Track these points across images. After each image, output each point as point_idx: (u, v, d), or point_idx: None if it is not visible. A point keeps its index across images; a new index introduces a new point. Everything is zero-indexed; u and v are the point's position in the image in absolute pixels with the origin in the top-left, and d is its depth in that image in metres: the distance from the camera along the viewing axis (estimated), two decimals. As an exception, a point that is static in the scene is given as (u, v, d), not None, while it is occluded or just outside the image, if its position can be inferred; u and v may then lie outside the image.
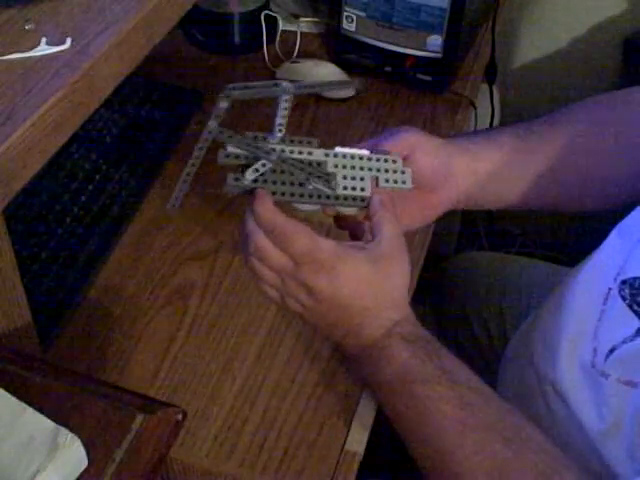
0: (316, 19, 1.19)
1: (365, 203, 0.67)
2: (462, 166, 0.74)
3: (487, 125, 1.30)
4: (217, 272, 0.84)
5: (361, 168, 0.67)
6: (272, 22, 1.13)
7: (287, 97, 0.64)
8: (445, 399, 0.60)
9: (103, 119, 0.97)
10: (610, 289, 0.66)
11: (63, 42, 0.60)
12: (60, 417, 0.52)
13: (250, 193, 0.64)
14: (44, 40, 0.60)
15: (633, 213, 0.70)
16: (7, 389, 0.52)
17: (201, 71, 1.11)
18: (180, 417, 0.55)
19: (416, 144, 0.70)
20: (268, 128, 0.65)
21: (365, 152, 0.68)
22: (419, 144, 0.70)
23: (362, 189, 0.67)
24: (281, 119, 0.64)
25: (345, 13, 1.05)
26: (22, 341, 0.67)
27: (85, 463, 0.51)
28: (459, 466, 0.58)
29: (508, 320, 0.98)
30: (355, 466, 0.69)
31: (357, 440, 0.70)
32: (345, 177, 0.67)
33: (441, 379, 0.61)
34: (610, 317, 0.65)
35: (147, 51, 0.67)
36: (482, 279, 1.05)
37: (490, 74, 1.23)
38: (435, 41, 1.02)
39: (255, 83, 0.63)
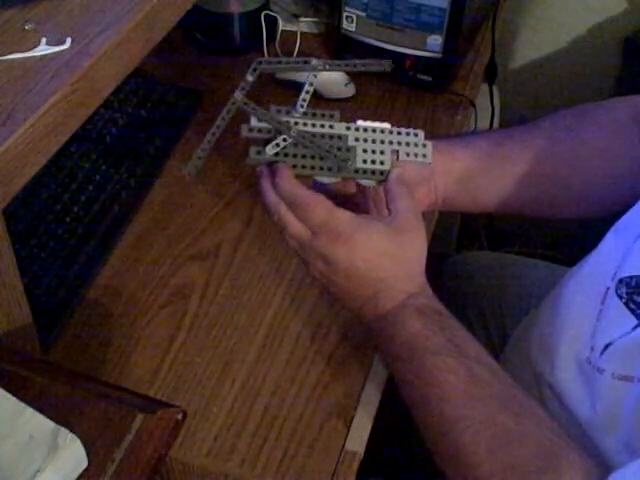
0: (316, 19, 1.19)
1: (384, 176, 0.68)
2: (439, 167, 0.76)
3: (487, 125, 1.30)
4: (217, 272, 0.84)
5: (382, 142, 0.69)
6: (272, 22, 1.13)
7: (313, 74, 0.67)
8: (453, 370, 0.61)
9: (103, 119, 0.97)
10: (608, 288, 0.66)
11: (63, 42, 0.60)
12: (60, 417, 0.52)
13: (270, 166, 0.67)
14: (44, 40, 0.60)
15: (630, 212, 0.70)
16: (7, 389, 0.52)
17: (201, 71, 1.11)
18: (180, 417, 0.55)
19: None
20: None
21: (387, 125, 0.70)
22: None
23: (382, 162, 0.68)
24: (305, 94, 0.67)
25: (345, 13, 1.05)
26: (22, 341, 0.67)
27: (85, 463, 0.51)
28: (462, 435, 0.59)
29: (508, 320, 0.98)
30: (355, 466, 0.69)
31: (357, 440, 0.70)
32: (365, 150, 0.68)
33: (451, 351, 0.62)
34: (607, 316, 0.65)
35: (147, 51, 0.67)
36: (482, 279, 1.05)
37: (490, 74, 1.23)
38: (435, 41, 1.02)
39: (285, 58, 0.68)
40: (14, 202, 0.59)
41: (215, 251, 0.86)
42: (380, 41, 1.05)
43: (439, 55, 1.03)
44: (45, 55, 0.59)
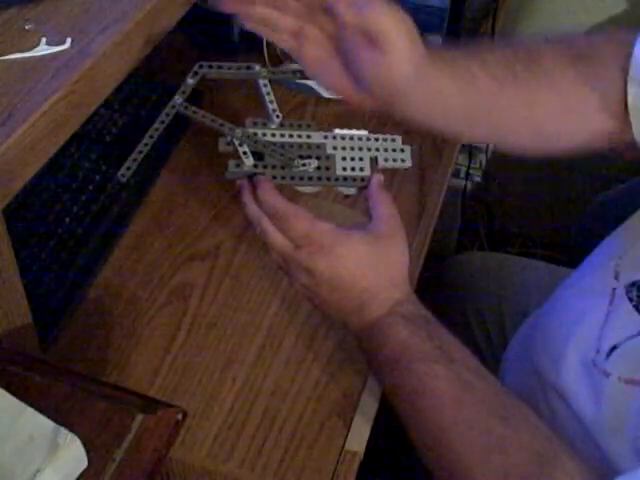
0: (316, 19, 1.18)
1: (365, 183, 0.68)
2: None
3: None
4: (217, 272, 0.84)
5: (360, 148, 0.69)
6: (272, 22, 1.13)
7: (264, 82, 0.66)
8: (442, 377, 0.60)
9: (103, 119, 0.97)
10: (614, 289, 0.65)
11: (63, 42, 0.60)
12: (60, 417, 0.51)
13: (251, 177, 0.66)
14: (44, 40, 0.60)
15: (636, 213, 0.70)
16: (7, 389, 0.52)
17: (201, 71, 1.11)
18: (180, 417, 0.55)
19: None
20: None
21: (364, 132, 0.70)
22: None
23: (361, 169, 0.68)
24: (270, 104, 0.66)
25: (345, 13, 1.05)
26: (22, 341, 0.67)
27: (85, 463, 0.51)
28: (454, 442, 0.58)
29: (508, 320, 0.97)
30: (355, 466, 0.69)
31: (357, 440, 0.70)
32: (344, 158, 0.68)
33: (439, 357, 0.61)
34: (616, 318, 0.65)
35: (147, 51, 0.67)
36: (482, 279, 1.05)
37: (490, 74, 1.22)
38: (435, 41, 1.02)
39: (227, 64, 0.66)
40: (14, 202, 0.59)
41: (215, 251, 0.86)
42: (380, 41, 1.05)
43: (439, 55, 1.03)
44: (45, 55, 0.59)
